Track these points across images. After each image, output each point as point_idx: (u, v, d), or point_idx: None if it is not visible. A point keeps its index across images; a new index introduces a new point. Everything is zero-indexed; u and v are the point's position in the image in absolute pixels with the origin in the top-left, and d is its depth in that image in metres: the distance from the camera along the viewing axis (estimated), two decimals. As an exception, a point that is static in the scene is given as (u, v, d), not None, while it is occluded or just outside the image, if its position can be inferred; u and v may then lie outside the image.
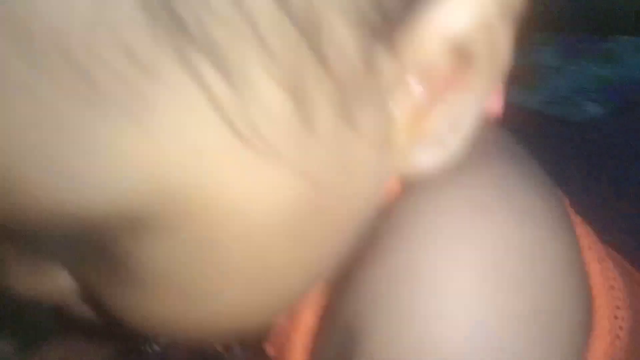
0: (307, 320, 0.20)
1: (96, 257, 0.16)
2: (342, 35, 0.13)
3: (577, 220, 0.22)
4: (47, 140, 0.12)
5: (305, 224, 0.16)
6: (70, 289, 0.18)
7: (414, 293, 0.16)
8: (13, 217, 0.14)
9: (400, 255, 0.17)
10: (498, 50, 0.15)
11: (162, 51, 0.11)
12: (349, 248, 0.18)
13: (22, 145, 0.12)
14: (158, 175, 0.13)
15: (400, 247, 0.17)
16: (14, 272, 0.18)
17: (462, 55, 0.15)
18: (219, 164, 0.14)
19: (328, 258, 0.18)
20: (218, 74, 0.12)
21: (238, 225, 0.15)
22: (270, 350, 0.21)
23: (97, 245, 0.15)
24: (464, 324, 0.16)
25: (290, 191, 0.15)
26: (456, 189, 0.17)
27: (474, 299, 0.16)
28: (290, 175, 0.15)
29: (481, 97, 0.16)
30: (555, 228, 0.18)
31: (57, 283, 0.18)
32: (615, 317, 0.23)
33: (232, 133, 0.13)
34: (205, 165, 0.13)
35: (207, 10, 0.11)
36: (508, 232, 0.17)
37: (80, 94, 0.12)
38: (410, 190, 0.18)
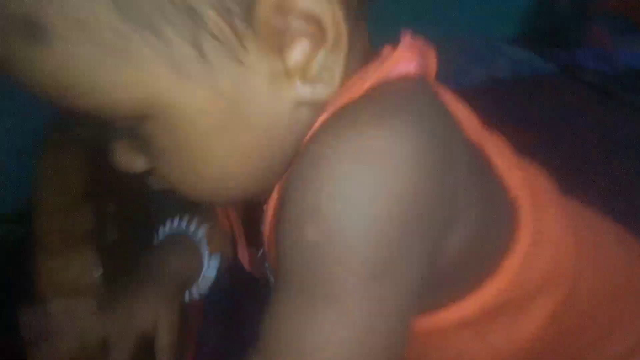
0: (273, 199, 0.30)
1: (141, 142, 0.30)
2: (216, 18, 0.25)
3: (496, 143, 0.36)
4: (110, 71, 0.26)
5: (223, 124, 0.28)
6: (144, 166, 0.32)
7: (315, 177, 0.26)
8: (97, 111, 0.27)
9: (309, 155, 0.27)
10: (333, 21, 0.26)
11: (140, 32, 0.24)
12: (280, 158, 0.30)
13: (100, 71, 0.25)
14: (142, 93, 0.26)
15: (310, 152, 0.27)
16: (120, 158, 0.33)
17: (320, 26, 0.26)
18: (168, 87, 0.26)
19: (253, 155, 0.29)
20: (162, 42, 0.25)
21: (186, 120, 0.28)
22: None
23: (137, 132, 0.29)
24: (340, 191, 0.26)
25: (209, 101, 0.27)
26: (348, 120, 0.27)
27: (352, 182, 0.26)
28: (208, 92, 0.27)
29: (337, 55, 0.27)
30: (416, 146, 0.27)
31: (136, 162, 0.32)
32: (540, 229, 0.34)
33: (174, 71, 0.26)
34: (162, 89, 0.26)
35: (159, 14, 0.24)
36: (375, 143, 0.26)
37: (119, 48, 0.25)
38: (322, 128, 0.28)
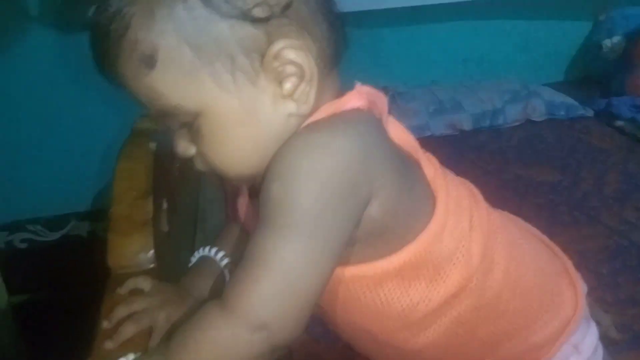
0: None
1: (195, 133, 0.45)
2: (244, 60, 0.42)
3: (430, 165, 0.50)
4: (184, 86, 0.43)
5: (244, 123, 0.44)
6: (194, 152, 0.47)
7: (283, 156, 0.42)
8: (166, 111, 0.44)
9: (284, 145, 0.43)
10: (309, 66, 0.43)
11: (203, 64, 0.42)
12: (275, 149, 0.43)
13: (179, 86, 0.43)
14: (199, 99, 0.43)
15: (284, 144, 0.43)
16: (179, 145, 0.47)
17: (299, 67, 0.43)
18: (214, 97, 0.43)
19: (260, 144, 0.44)
20: (214, 71, 0.42)
21: (221, 117, 0.44)
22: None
23: (191, 126, 0.45)
24: (296, 164, 0.41)
25: (236, 107, 0.43)
26: (313, 126, 0.44)
27: (305, 160, 0.41)
28: (236, 102, 0.43)
29: (311, 86, 0.43)
30: (348, 141, 0.42)
31: (191, 149, 0.47)
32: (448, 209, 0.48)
33: (218, 88, 0.43)
34: (211, 98, 0.43)
35: (214, 54, 0.42)
36: (322, 139, 0.42)
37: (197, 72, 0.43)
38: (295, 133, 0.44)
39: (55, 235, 1.68)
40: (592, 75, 1.65)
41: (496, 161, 1.14)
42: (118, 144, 1.55)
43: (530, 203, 1.00)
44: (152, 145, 0.60)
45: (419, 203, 0.47)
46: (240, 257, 0.58)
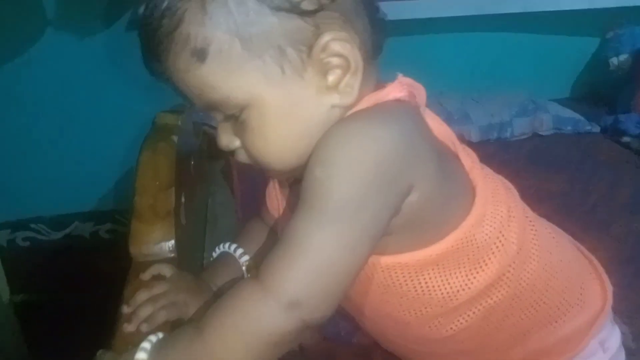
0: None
1: (240, 126, 0.46)
2: (292, 53, 0.43)
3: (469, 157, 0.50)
4: (232, 79, 0.44)
5: (290, 114, 0.45)
6: (238, 145, 0.48)
7: (327, 143, 0.43)
8: (214, 104, 0.45)
9: (328, 133, 0.43)
10: (355, 58, 0.44)
11: (252, 57, 0.43)
12: (314, 140, 0.44)
13: (228, 79, 0.44)
14: (247, 91, 0.44)
15: (328, 132, 0.44)
16: (223, 138, 0.49)
17: (344, 59, 0.44)
18: (262, 89, 0.44)
19: (304, 134, 0.45)
20: (262, 64, 0.43)
21: (268, 108, 0.45)
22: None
23: (238, 118, 0.46)
24: (340, 152, 0.42)
25: (282, 99, 0.44)
26: (356, 115, 0.45)
27: (348, 147, 0.42)
28: (283, 93, 0.44)
29: (356, 78, 0.44)
30: (392, 131, 0.43)
31: (235, 142, 0.48)
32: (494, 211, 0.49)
33: (266, 80, 0.43)
34: (258, 90, 0.44)
35: (263, 48, 0.43)
36: (364, 129, 0.43)
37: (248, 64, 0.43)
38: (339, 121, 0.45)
39: (57, 235, 1.69)
40: (598, 92, 1.67)
41: (505, 171, 1.13)
42: (125, 146, 1.57)
43: (540, 211, 1.00)
44: (174, 139, 0.61)
45: (458, 193, 0.48)
46: (259, 254, 0.59)
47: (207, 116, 1.30)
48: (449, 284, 0.47)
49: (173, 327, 0.49)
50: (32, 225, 1.67)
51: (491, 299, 0.49)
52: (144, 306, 0.52)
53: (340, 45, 0.43)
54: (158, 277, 0.55)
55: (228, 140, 0.48)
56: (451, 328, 0.50)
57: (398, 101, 0.46)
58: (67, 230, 1.69)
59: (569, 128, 1.44)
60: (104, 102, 1.50)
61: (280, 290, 0.40)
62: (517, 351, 0.52)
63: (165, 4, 0.42)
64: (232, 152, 0.49)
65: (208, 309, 0.43)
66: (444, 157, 0.48)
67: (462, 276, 0.47)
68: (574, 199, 1.09)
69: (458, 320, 0.49)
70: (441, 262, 0.47)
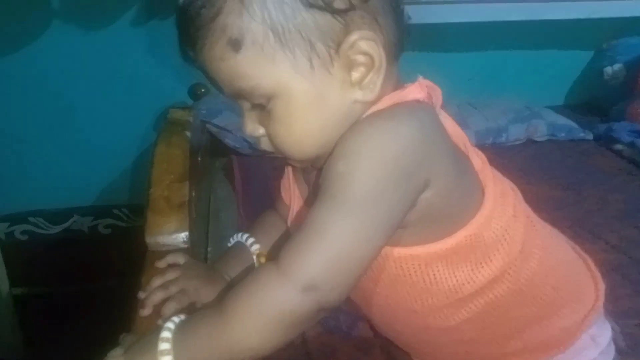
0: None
1: (265, 114, 0.48)
2: (321, 47, 0.45)
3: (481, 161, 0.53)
4: (263, 69, 0.46)
5: (314, 105, 0.47)
6: (262, 133, 0.50)
7: (351, 137, 0.45)
8: (243, 92, 0.48)
9: (351, 129, 0.46)
10: (375, 52, 0.46)
11: (283, 49, 0.45)
12: (340, 132, 0.47)
13: (259, 69, 0.46)
14: (276, 81, 0.46)
15: (352, 128, 0.47)
16: (248, 125, 0.51)
17: (370, 57, 0.46)
18: (289, 80, 0.46)
19: (326, 126, 0.47)
20: (292, 56, 0.45)
21: (295, 99, 0.47)
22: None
23: (265, 107, 0.48)
24: (363, 146, 0.45)
25: (309, 90, 0.46)
26: (378, 113, 0.47)
27: (371, 142, 0.44)
28: (310, 85, 0.46)
29: (379, 75, 0.47)
30: (411, 129, 0.45)
31: (259, 130, 0.50)
32: (502, 205, 0.52)
33: (295, 71, 0.45)
34: (286, 81, 0.46)
35: (294, 41, 0.45)
36: (386, 126, 0.45)
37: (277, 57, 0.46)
38: (361, 119, 0.47)
39: (56, 229, 1.69)
40: (592, 101, 1.71)
41: (501, 176, 1.17)
42: (125, 142, 1.59)
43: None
44: (187, 134, 0.63)
45: (470, 191, 0.51)
46: (273, 244, 0.62)
47: (209, 114, 1.32)
48: (455, 276, 0.50)
49: (187, 312, 0.51)
50: (31, 219, 1.67)
51: (493, 293, 0.51)
52: (156, 292, 0.55)
53: (367, 44, 0.46)
54: (173, 266, 0.57)
55: (253, 128, 0.50)
56: (454, 319, 0.52)
57: (417, 101, 0.48)
58: (66, 225, 1.70)
59: (563, 135, 1.47)
60: (105, 97, 1.52)
61: (299, 273, 0.43)
62: (514, 342, 0.55)
63: None
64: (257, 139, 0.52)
65: (228, 292, 0.45)
66: (458, 156, 0.50)
67: (468, 270, 0.50)
68: (567, 205, 1.12)
69: (461, 312, 0.52)
70: (450, 256, 0.49)
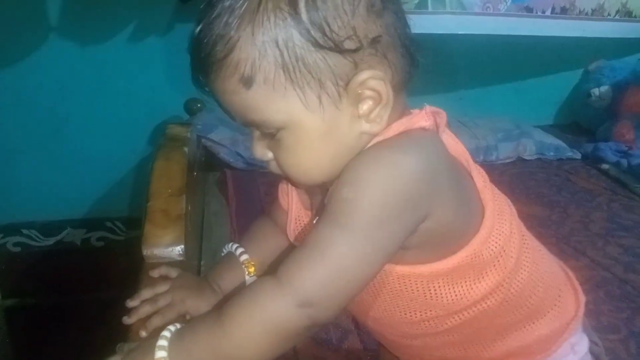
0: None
1: (274, 142, 0.50)
2: (330, 86, 0.46)
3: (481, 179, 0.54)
4: (273, 104, 0.47)
5: (322, 138, 0.48)
6: (271, 157, 0.51)
7: (357, 167, 0.47)
8: (254, 123, 0.49)
9: (358, 158, 0.48)
10: (382, 89, 0.47)
11: (293, 86, 0.46)
12: (347, 161, 0.48)
13: (269, 104, 0.47)
14: (286, 116, 0.47)
15: (358, 156, 0.48)
16: (257, 150, 0.52)
17: (377, 93, 0.47)
18: (300, 115, 0.47)
19: (334, 157, 0.49)
20: (302, 93, 0.46)
21: (304, 132, 0.48)
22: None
23: (274, 136, 0.49)
24: (368, 176, 0.46)
25: (319, 125, 0.47)
26: (386, 142, 0.48)
27: (375, 173, 0.46)
28: (319, 120, 0.47)
29: (386, 110, 0.48)
30: (416, 163, 0.46)
31: (268, 154, 0.51)
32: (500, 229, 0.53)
33: (305, 107, 0.47)
34: (296, 116, 0.47)
35: (304, 79, 0.46)
36: (392, 158, 0.46)
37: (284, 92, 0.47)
38: (368, 147, 0.49)
39: (49, 241, 1.70)
40: (580, 121, 1.75)
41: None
42: (119, 155, 1.60)
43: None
44: (186, 150, 0.65)
45: (470, 214, 0.52)
46: (261, 252, 0.63)
47: (205, 129, 1.34)
48: (454, 291, 0.52)
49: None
50: (24, 231, 1.67)
51: (486, 303, 0.53)
52: (145, 305, 0.56)
53: (375, 83, 0.47)
54: (165, 278, 0.59)
55: (262, 153, 0.52)
56: (446, 325, 0.54)
57: (423, 130, 0.50)
58: (59, 237, 1.70)
59: (552, 154, 1.50)
60: (99, 111, 1.53)
61: (297, 288, 0.44)
62: (499, 345, 0.57)
63: (219, 30, 0.45)
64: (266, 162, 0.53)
65: (227, 301, 0.47)
66: (462, 181, 0.52)
67: (466, 285, 0.52)
68: (553, 222, 1.14)
69: (453, 319, 0.54)
70: (451, 273, 0.51)
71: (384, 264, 0.48)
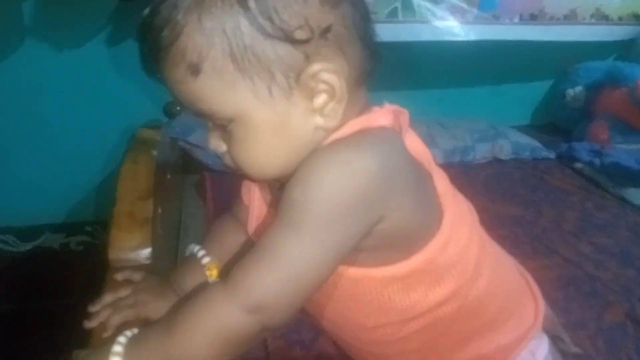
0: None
1: (227, 134, 0.49)
2: (280, 77, 0.45)
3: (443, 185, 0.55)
4: (222, 94, 0.46)
5: (274, 131, 0.47)
6: (225, 149, 0.50)
7: (309, 168, 0.46)
8: (204, 113, 0.48)
9: (310, 158, 0.47)
10: (336, 83, 0.46)
11: (242, 76, 0.45)
12: (301, 157, 0.47)
13: (217, 94, 0.46)
14: (235, 107, 0.46)
15: (311, 157, 0.47)
16: (212, 142, 0.51)
17: (331, 87, 0.46)
18: (250, 106, 0.46)
19: (288, 151, 0.48)
20: (252, 83, 0.45)
21: (255, 124, 0.47)
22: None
23: (226, 128, 0.48)
24: (319, 176, 0.45)
25: (270, 117, 0.47)
26: (342, 141, 0.47)
27: (327, 173, 0.45)
28: (270, 112, 0.46)
29: (340, 104, 0.47)
30: (370, 162, 0.45)
31: (222, 146, 0.51)
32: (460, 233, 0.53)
33: (255, 99, 0.46)
34: (246, 107, 0.46)
35: (254, 69, 0.45)
36: (345, 158, 0.45)
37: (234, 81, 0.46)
38: (322, 147, 0.48)
39: (26, 247, 1.67)
40: (556, 121, 1.77)
41: (465, 194, 1.20)
42: (97, 157, 1.59)
43: (494, 234, 1.06)
44: (154, 153, 0.65)
45: (429, 217, 0.52)
46: (223, 254, 0.63)
47: (183, 132, 1.34)
48: (409, 297, 0.51)
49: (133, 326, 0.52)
50: (1, 236, 1.65)
51: (442, 310, 0.53)
52: (107, 309, 0.56)
53: (328, 76, 0.46)
54: (129, 281, 0.59)
55: (216, 144, 0.51)
56: (401, 332, 0.54)
57: (382, 129, 0.49)
58: (37, 242, 1.69)
59: (527, 154, 1.52)
60: (77, 114, 1.52)
61: (245, 294, 0.44)
62: (458, 356, 0.57)
63: (166, 15, 0.44)
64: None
65: (178, 308, 0.47)
66: (421, 183, 0.51)
67: (421, 292, 0.51)
68: (527, 222, 1.16)
69: (409, 326, 0.54)
70: (405, 279, 0.51)
71: (337, 266, 0.47)
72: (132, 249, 0.58)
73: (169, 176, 0.79)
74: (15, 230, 1.66)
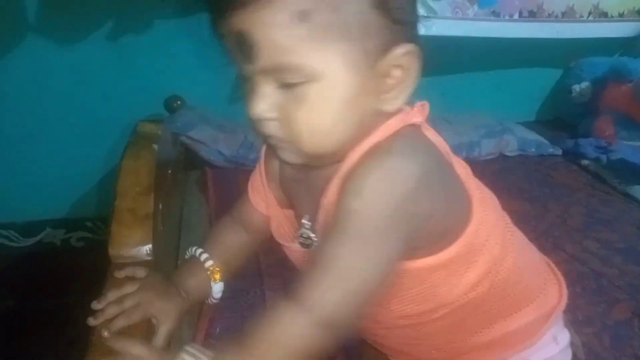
0: (335, 186, 0.50)
1: (292, 97, 0.47)
2: (372, 45, 0.46)
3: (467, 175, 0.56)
4: (316, 49, 0.45)
5: (349, 101, 0.47)
6: (274, 117, 0.48)
7: (363, 177, 0.46)
8: (284, 67, 0.46)
9: (362, 168, 0.47)
10: (414, 69, 0.48)
11: (340, 38, 0.45)
12: (356, 136, 0.49)
13: (312, 48, 0.45)
14: (324, 68, 0.46)
15: (361, 166, 0.48)
16: (259, 104, 0.48)
17: (404, 68, 0.48)
18: (335, 73, 0.46)
19: (349, 126, 0.48)
20: (340, 57, 0.46)
21: (332, 91, 0.46)
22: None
23: (293, 89, 0.46)
24: (373, 185, 0.46)
25: (348, 90, 0.47)
26: (379, 150, 0.48)
27: (381, 182, 0.46)
28: (351, 85, 0.46)
29: (411, 86, 0.48)
30: (414, 168, 0.47)
31: (272, 112, 0.48)
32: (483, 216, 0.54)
33: (340, 68, 0.46)
34: (332, 71, 0.46)
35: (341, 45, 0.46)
36: (395, 166, 0.47)
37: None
38: (369, 152, 0.49)
39: (28, 242, 1.67)
40: (561, 117, 1.76)
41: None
42: (99, 153, 1.58)
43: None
44: (155, 147, 0.64)
45: (463, 204, 0.54)
46: (225, 257, 0.63)
47: (184, 127, 1.33)
48: (450, 282, 0.53)
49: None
50: (2, 231, 1.65)
51: (475, 291, 0.55)
52: (111, 306, 0.55)
53: (410, 59, 0.47)
54: (132, 278, 0.58)
55: (266, 108, 0.48)
56: (434, 315, 0.55)
57: (412, 127, 0.51)
58: (38, 237, 1.68)
59: (533, 150, 1.51)
60: (78, 110, 1.52)
61: (319, 310, 0.45)
62: (484, 334, 0.58)
63: None
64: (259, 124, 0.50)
65: (248, 333, 0.47)
66: (449, 175, 0.53)
67: (458, 276, 0.53)
68: (532, 218, 1.15)
69: (442, 309, 0.55)
70: (447, 265, 0.52)
71: (393, 270, 0.49)
72: (133, 245, 0.57)
73: (170, 171, 0.78)
74: (16, 226, 1.65)
